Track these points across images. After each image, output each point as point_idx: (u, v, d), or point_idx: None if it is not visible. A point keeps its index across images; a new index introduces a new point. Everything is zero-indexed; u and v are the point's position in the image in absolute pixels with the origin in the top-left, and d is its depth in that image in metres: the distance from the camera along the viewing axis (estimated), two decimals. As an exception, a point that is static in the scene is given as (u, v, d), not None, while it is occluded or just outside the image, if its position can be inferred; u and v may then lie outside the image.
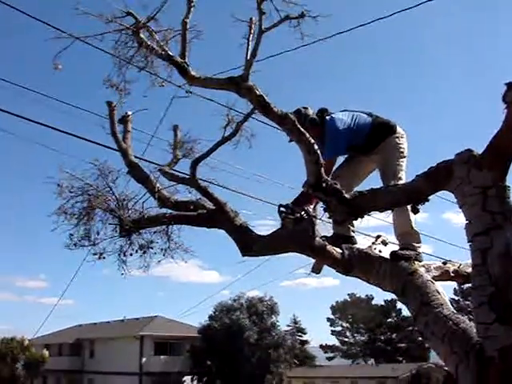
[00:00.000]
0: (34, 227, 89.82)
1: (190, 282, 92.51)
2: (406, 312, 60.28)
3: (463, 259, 5.56)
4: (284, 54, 6.30)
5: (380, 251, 5.23)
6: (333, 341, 68.54)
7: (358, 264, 4.98)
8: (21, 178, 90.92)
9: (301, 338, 55.71)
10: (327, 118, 5.70)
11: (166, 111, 6.07)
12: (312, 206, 5.17)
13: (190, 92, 5.24)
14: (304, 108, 5.73)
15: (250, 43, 4.69)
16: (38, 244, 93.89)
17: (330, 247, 4.95)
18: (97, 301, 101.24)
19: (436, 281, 4.62)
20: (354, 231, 5.60)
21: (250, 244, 5.09)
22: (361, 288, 71.66)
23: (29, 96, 9.88)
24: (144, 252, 5.54)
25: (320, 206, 5.03)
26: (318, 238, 4.87)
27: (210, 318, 48.37)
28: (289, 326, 56.41)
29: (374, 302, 66.17)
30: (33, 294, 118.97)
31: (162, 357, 50.72)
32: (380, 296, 66.73)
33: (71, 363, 56.02)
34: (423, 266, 5.00)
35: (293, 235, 4.89)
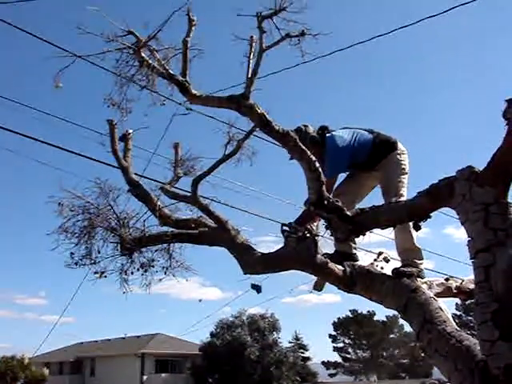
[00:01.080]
0: (34, 244, 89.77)
1: (191, 299, 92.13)
2: (408, 328, 60.00)
3: (465, 274, 5.55)
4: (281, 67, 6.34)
5: (382, 268, 5.21)
6: (335, 357, 68.34)
7: (359, 281, 4.96)
8: (21, 194, 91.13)
9: (303, 355, 55.33)
10: (327, 135, 5.71)
11: (167, 129, 6.06)
12: (315, 224, 5.16)
13: (191, 109, 5.26)
14: (304, 126, 5.75)
15: (251, 61, 4.72)
16: (37, 261, 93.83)
17: (331, 265, 4.94)
18: (97, 318, 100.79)
19: (438, 297, 4.60)
20: (355, 248, 5.59)
21: (251, 262, 5.08)
22: (362, 304, 71.51)
23: (29, 113, 9.92)
24: (145, 270, 5.52)
25: (322, 224, 5.03)
26: (319, 256, 4.86)
27: (212, 335, 48.17)
28: (291, 342, 56.16)
29: (375, 318, 65.96)
30: (33, 311, 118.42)
31: (163, 375, 50.50)
32: (382, 312, 66.69)
33: (72, 381, 55.62)
34: (425, 282, 4.99)
35: (295, 254, 4.88)
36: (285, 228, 5.04)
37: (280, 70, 6.27)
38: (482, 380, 3.47)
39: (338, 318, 67.79)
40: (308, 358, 57.58)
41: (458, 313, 51.35)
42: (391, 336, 65.60)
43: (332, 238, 5.12)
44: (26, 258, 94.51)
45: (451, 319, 4.20)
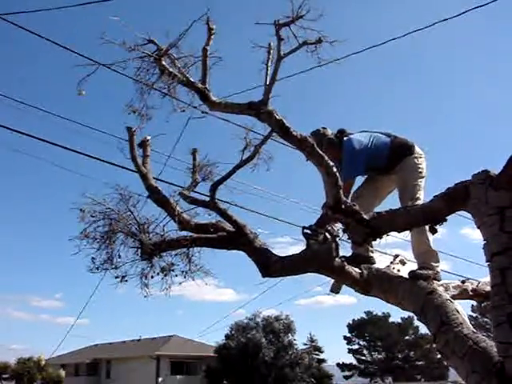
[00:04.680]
0: (50, 247, 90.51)
1: (206, 301, 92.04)
2: (423, 329, 59.65)
3: (481, 274, 5.59)
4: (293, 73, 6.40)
5: (398, 271, 5.27)
6: (350, 359, 67.99)
7: (376, 284, 5.02)
8: (38, 198, 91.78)
9: (318, 357, 55.10)
10: (345, 138, 5.78)
11: (183, 131, 6.10)
12: (336, 225, 5.20)
13: (206, 113, 5.33)
14: (323, 128, 5.84)
15: (269, 68, 4.81)
16: (52, 263, 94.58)
17: (348, 267, 5.00)
18: (112, 320, 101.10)
19: (455, 299, 4.63)
20: (372, 251, 5.64)
21: (270, 266, 5.14)
22: (377, 306, 71.12)
23: (51, 120, 10.11)
24: (165, 275, 5.56)
25: (339, 227, 5.09)
26: (337, 259, 4.92)
27: (226, 337, 48.12)
28: (305, 344, 55.94)
29: (391, 320, 65.62)
30: (48, 313, 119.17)
31: (178, 377, 50.48)
32: (397, 314, 66.30)
33: (87, 383, 55.84)
34: (442, 285, 5.03)
35: (314, 256, 4.94)
36: (306, 231, 5.10)
37: (294, 73, 6.32)
38: (498, 381, 3.50)
39: (353, 320, 67.54)
40: (323, 360, 57.36)
41: (474, 314, 50.94)
42: (406, 338, 65.19)
43: (349, 240, 5.19)
44: (42, 260, 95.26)
45: (467, 321, 4.23)
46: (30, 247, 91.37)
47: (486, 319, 47.77)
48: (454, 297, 4.85)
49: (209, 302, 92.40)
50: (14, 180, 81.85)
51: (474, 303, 6.02)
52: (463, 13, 7.04)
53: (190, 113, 5.20)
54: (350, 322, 67.68)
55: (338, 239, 4.97)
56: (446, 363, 4.18)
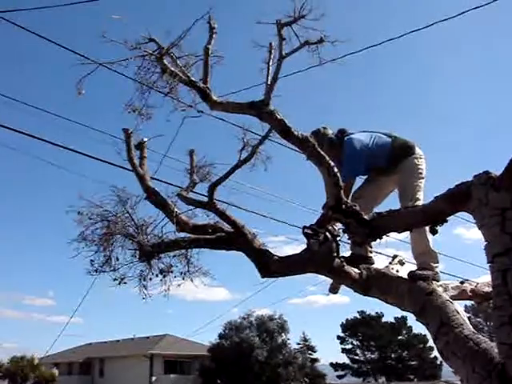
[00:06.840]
0: (43, 245, 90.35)
1: (198, 300, 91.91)
2: (416, 329, 59.82)
3: (475, 274, 5.61)
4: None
5: (397, 271, 5.27)
6: (343, 359, 68.04)
7: (375, 284, 5.01)
8: (32, 196, 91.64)
9: (311, 356, 55.18)
10: (346, 138, 5.77)
11: (178, 131, 6.03)
12: (336, 225, 5.19)
13: (202, 112, 5.31)
14: (323, 128, 5.83)
15: (270, 68, 4.80)
16: (45, 261, 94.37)
17: (348, 268, 4.99)
18: (106, 319, 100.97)
19: (454, 300, 4.64)
20: (371, 251, 5.64)
21: (270, 266, 5.13)
22: (371, 305, 71.12)
23: (47, 119, 10.08)
24: (164, 276, 5.54)
25: (339, 228, 5.08)
26: (336, 259, 4.92)
27: (220, 336, 48.17)
28: (298, 343, 56.05)
29: (384, 320, 65.73)
30: (41, 312, 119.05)
31: (171, 376, 50.43)
32: (390, 313, 66.37)
33: (81, 382, 55.69)
34: (441, 285, 5.03)
35: (314, 256, 4.93)
36: (307, 230, 5.08)
37: (291, 73, 6.30)
38: (499, 382, 3.50)
39: (347, 320, 67.60)
40: (316, 360, 57.43)
41: (467, 315, 51.07)
42: (399, 338, 65.30)
43: (349, 241, 5.18)
44: (35, 259, 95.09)
45: (468, 322, 4.23)
46: (22, 245, 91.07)
47: (479, 319, 47.96)
48: (453, 297, 4.84)
49: (202, 300, 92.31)
50: (6, 178, 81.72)
51: (468, 304, 6.04)
52: (461, 13, 7.06)
53: (190, 112, 5.18)
54: (344, 322, 67.77)
55: (338, 239, 4.96)
56: (446, 363, 4.18)
